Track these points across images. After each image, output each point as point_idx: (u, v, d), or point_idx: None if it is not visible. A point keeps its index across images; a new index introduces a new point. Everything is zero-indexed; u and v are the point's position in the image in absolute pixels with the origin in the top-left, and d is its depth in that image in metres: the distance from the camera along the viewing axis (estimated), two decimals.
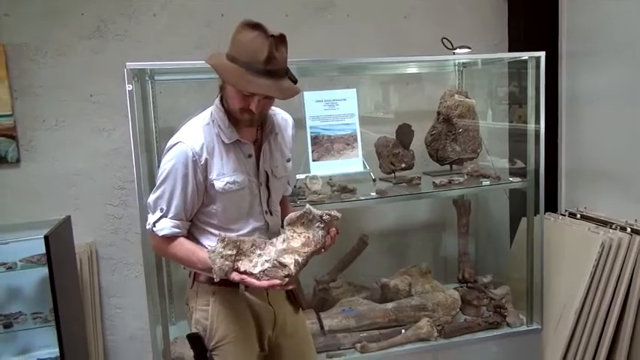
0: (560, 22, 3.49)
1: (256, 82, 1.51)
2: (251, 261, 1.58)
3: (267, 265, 1.56)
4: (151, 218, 1.68)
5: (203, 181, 1.65)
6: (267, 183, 1.75)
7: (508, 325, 2.93)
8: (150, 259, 2.42)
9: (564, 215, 3.40)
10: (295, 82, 1.62)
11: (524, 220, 3.11)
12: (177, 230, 1.67)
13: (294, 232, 1.65)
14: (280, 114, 1.85)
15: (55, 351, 2.50)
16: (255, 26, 1.53)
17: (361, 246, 2.95)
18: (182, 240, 1.69)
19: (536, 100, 2.76)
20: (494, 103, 3.50)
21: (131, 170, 2.36)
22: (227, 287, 1.69)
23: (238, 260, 1.58)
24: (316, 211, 1.65)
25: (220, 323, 1.72)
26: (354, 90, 2.91)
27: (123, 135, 2.51)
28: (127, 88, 2.25)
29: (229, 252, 1.56)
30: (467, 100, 3.10)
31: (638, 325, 2.96)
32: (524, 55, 2.78)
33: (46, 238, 2.33)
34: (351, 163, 2.85)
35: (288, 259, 1.57)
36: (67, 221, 2.75)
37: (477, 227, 3.51)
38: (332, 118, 2.83)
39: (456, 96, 3.08)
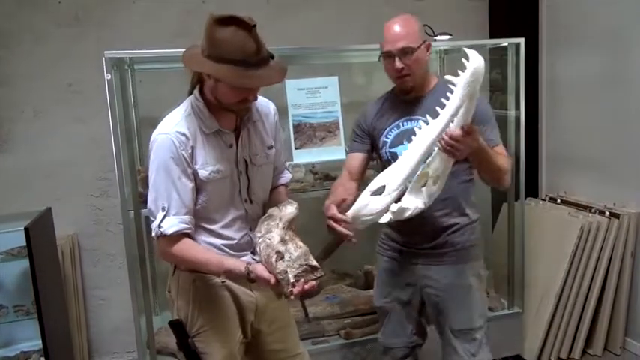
0: (540, 9, 3.52)
1: (258, 76, 1.53)
2: (277, 268, 1.55)
3: (294, 270, 1.53)
4: (155, 222, 1.61)
5: (192, 169, 1.64)
6: (247, 171, 1.74)
7: (490, 309, 2.97)
8: (132, 250, 2.41)
9: (545, 200, 3.45)
10: (273, 57, 1.62)
11: (505, 205, 3.14)
12: (185, 226, 1.61)
13: (291, 230, 1.65)
14: (260, 100, 1.81)
15: (39, 343, 2.48)
16: (229, 20, 1.49)
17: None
18: (191, 242, 1.64)
19: (516, 87, 2.79)
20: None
21: (112, 160, 2.34)
22: (207, 275, 1.70)
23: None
24: None
25: (201, 310, 1.72)
26: (336, 77, 2.91)
27: (103, 124, 2.50)
28: (106, 78, 2.23)
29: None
30: None
31: (616, 307, 3.03)
32: (504, 42, 2.80)
33: (26, 230, 2.30)
34: (333, 151, 2.85)
35: (315, 261, 1.57)
36: (48, 213, 2.72)
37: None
38: (314, 106, 2.82)
39: None
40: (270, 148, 1.81)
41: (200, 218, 1.69)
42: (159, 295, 3.14)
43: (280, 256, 1.54)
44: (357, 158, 2.09)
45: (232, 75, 1.51)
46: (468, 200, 2.06)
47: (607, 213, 3.02)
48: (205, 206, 1.68)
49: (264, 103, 1.82)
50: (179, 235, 1.61)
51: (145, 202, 2.48)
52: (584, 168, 3.32)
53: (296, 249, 1.57)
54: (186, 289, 1.73)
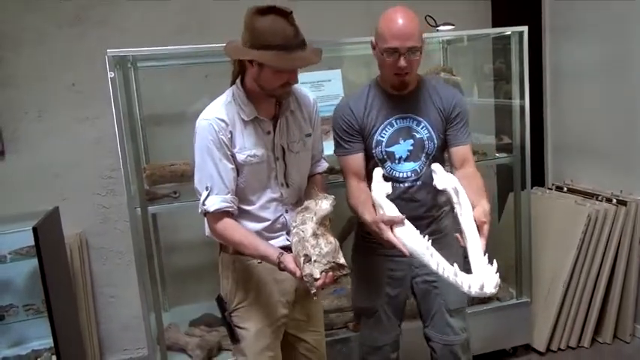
0: None
1: (298, 57, 1.64)
2: (304, 269, 1.60)
3: (322, 265, 1.57)
4: (200, 200, 1.75)
5: (231, 152, 1.75)
6: (284, 157, 1.83)
7: (498, 299, 2.97)
8: (140, 247, 2.42)
9: (551, 189, 3.43)
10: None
11: (511, 195, 3.13)
12: (226, 204, 1.73)
13: (324, 225, 1.71)
14: (300, 90, 1.92)
15: (49, 342, 2.50)
16: (267, 10, 1.61)
17: (350, 227, 2.94)
18: (232, 223, 1.76)
19: (520, 75, 2.76)
20: (480, 80, 3.50)
21: (117, 158, 2.35)
22: (244, 256, 1.81)
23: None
24: None
25: (240, 288, 1.86)
26: (339, 71, 2.89)
27: (107, 123, 2.51)
28: (109, 76, 2.23)
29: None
30: (452, 77, 3.08)
31: (625, 294, 3.02)
32: (507, 31, 2.77)
33: (34, 229, 2.31)
34: None
35: (343, 259, 1.61)
36: (55, 212, 2.73)
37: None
38: (317, 99, 2.79)
39: (442, 74, 3.07)
40: (309, 135, 1.90)
41: (239, 199, 1.80)
42: (168, 292, 3.16)
43: (307, 259, 1.59)
44: (359, 159, 2.01)
45: (276, 59, 1.61)
46: (443, 193, 2.07)
47: (614, 200, 3.00)
48: (243, 187, 1.79)
49: (304, 94, 1.93)
50: (222, 213, 1.74)
51: (151, 200, 2.53)
52: (591, 156, 3.31)
53: (326, 244, 1.62)
54: (227, 268, 1.88)
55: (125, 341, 3.23)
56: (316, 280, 1.56)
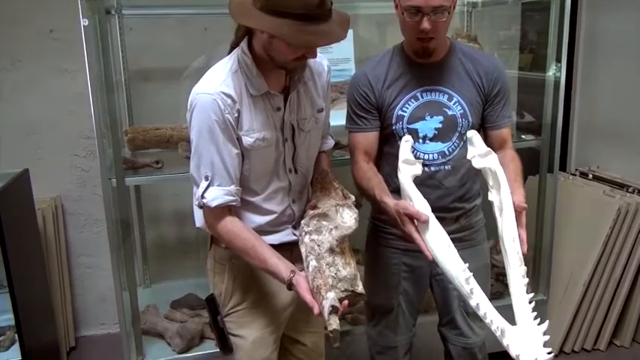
0: None
1: (320, 32, 1.31)
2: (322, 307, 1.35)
3: (338, 292, 1.34)
4: (199, 190, 1.46)
5: (236, 134, 1.45)
6: (293, 138, 1.55)
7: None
8: (114, 221, 2.15)
9: (575, 175, 3.13)
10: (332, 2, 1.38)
11: (531, 179, 2.83)
12: (230, 198, 1.45)
13: (344, 242, 1.44)
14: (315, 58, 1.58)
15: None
16: None
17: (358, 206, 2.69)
18: (239, 225, 1.48)
19: (558, 47, 2.42)
20: (505, 49, 3.18)
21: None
22: None
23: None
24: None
25: (237, 288, 1.61)
26: (350, 31, 2.57)
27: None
28: (82, 24, 1.93)
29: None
30: (474, 45, 2.76)
31: None
32: None
33: None
34: (345, 115, 2.54)
35: (362, 287, 1.37)
36: (25, 175, 2.45)
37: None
38: None
39: (459, 40, 2.75)
40: (321, 110, 1.62)
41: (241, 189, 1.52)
42: (150, 266, 2.91)
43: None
44: (372, 137, 1.76)
45: (292, 32, 1.29)
46: (477, 180, 1.83)
47: None
48: (247, 175, 1.52)
49: (317, 60, 1.58)
50: (224, 208, 1.47)
51: (131, 168, 2.24)
52: (622, 141, 3.00)
53: (344, 266, 1.37)
54: (222, 265, 1.62)
55: (102, 315, 3.01)
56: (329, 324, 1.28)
